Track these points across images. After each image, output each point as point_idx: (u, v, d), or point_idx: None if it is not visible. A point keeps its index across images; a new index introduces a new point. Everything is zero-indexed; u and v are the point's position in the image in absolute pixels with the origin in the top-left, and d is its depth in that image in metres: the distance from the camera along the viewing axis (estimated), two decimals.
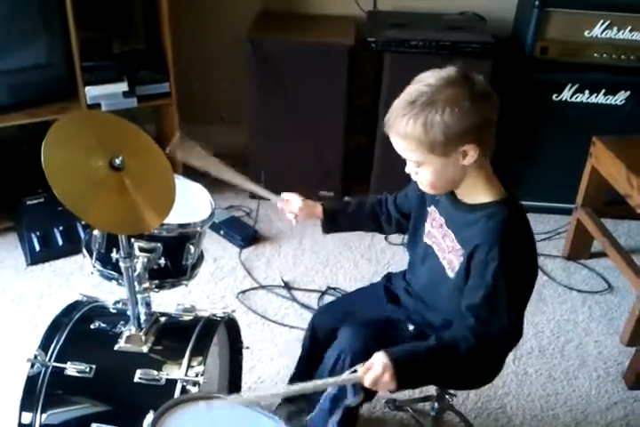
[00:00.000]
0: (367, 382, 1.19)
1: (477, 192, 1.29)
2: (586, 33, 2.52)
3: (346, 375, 1.23)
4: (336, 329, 1.55)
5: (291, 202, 1.53)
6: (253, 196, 2.78)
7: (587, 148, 2.36)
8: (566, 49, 2.55)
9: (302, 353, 1.71)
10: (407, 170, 1.30)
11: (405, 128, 1.19)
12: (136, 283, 1.41)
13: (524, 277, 1.28)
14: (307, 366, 1.68)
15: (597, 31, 2.51)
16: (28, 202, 2.46)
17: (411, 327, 1.45)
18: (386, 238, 2.62)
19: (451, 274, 1.33)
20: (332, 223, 1.56)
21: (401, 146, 1.24)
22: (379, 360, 1.19)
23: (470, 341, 1.22)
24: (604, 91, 2.58)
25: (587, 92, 2.59)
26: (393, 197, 1.54)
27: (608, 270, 2.51)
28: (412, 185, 1.44)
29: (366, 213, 1.56)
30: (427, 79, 1.20)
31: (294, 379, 1.74)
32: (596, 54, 2.54)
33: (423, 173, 1.26)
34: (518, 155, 2.73)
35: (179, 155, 1.44)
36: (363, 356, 1.27)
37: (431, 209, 1.40)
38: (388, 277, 1.60)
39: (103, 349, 1.43)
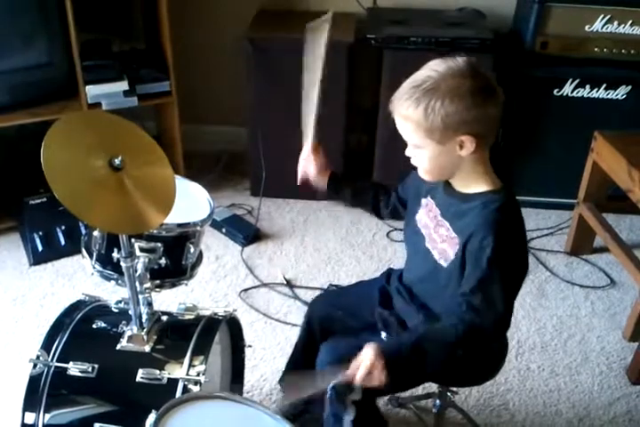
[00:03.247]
0: (359, 379, 1.20)
1: (473, 182, 1.31)
2: (586, 28, 2.51)
3: (336, 377, 1.24)
4: (329, 320, 1.58)
5: (312, 159, 1.52)
6: (255, 193, 2.79)
7: (588, 143, 2.36)
8: (567, 44, 2.54)
9: (297, 342, 1.73)
10: (407, 153, 1.32)
11: (407, 110, 1.22)
12: (137, 283, 1.41)
13: (516, 266, 1.28)
14: (301, 355, 1.71)
15: (598, 26, 2.50)
16: (31, 202, 2.46)
17: (383, 335, 1.47)
18: (387, 235, 2.63)
19: (444, 263, 1.34)
20: (335, 187, 1.57)
21: (402, 127, 1.27)
22: (367, 355, 1.21)
23: (459, 329, 1.23)
24: (605, 85, 2.58)
25: (588, 86, 2.59)
26: (396, 187, 1.57)
27: (610, 265, 2.51)
28: (412, 176, 1.47)
29: (370, 190, 1.59)
30: (435, 66, 1.23)
31: (289, 365, 1.77)
32: (596, 49, 2.53)
33: (420, 158, 1.29)
34: (520, 150, 2.73)
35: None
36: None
37: (427, 200, 1.41)
38: (388, 273, 1.61)
39: (105, 348, 1.43)
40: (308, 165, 1.53)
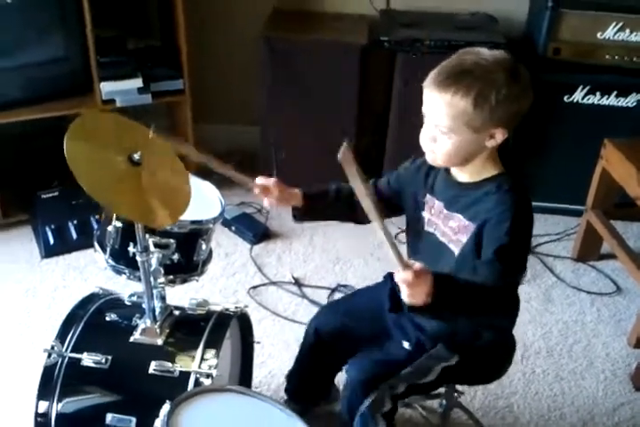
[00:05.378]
0: (409, 275, 1.08)
1: (482, 169, 1.31)
2: (598, 35, 2.52)
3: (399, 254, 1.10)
4: (341, 328, 1.57)
5: (269, 188, 1.46)
6: None
7: (598, 150, 2.37)
8: (579, 50, 2.55)
9: (299, 355, 1.72)
10: (424, 136, 1.28)
11: (455, 96, 1.19)
12: (152, 277, 1.43)
13: (527, 244, 1.31)
14: (306, 366, 1.72)
15: (610, 33, 2.51)
16: (43, 195, 2.48)
17: (406, 345, 1.47)
18: (395, 237, 2.63)
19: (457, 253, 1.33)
20: (308, 212, 1.51)
21: (440, 110, 1.22)
22: (417, 266, 1.10)
23: (489, 282, 1.20)
24: (615, 93, 2.58)
25: (598, 93, 2.60)
26: (373, 183, 1.53)
27: (617, 272, 2.51)
28: (394, 173, 1.49)
29: (344, 201, 1.50)
30: (481, 54, 1.22)
31: (292, 376, 1.78)
32: (608, 56, 2.54)
33: (445, 142, 1.25)
34: (529, 156, 2.74)
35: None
36: (367, 384, 1.38)
37: (427, 198, 1.40)
38: (391, 277, 1.58)
39: (119, 340, 1.46)
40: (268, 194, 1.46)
